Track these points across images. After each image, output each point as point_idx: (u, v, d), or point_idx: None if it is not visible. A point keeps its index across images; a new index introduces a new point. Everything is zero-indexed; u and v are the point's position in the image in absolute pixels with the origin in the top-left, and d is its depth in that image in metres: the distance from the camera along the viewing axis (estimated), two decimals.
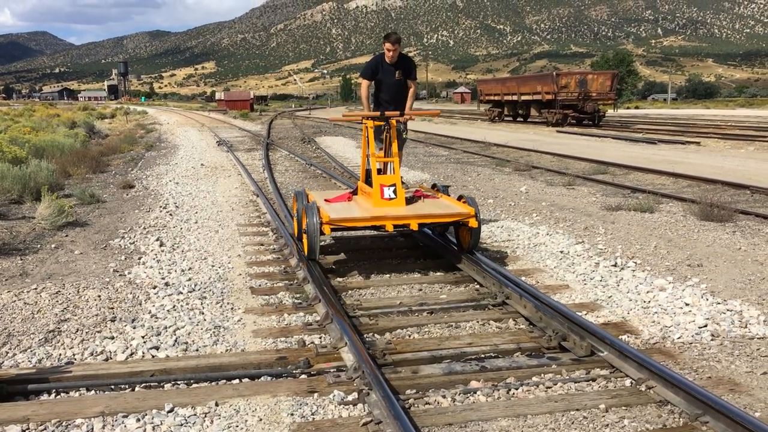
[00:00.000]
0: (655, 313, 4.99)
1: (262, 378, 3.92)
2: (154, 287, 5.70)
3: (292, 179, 13.18)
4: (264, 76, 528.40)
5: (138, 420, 3.39)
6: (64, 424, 3.38)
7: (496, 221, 8.48)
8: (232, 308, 5.22)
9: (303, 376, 3.92)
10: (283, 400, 3.63)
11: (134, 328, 4.73)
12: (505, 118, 39.44)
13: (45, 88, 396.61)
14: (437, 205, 6.42)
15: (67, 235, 7.79)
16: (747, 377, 3.89)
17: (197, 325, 4.81)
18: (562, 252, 6.81)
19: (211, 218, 8.93)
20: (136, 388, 3.81)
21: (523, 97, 35.87)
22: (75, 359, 4.22)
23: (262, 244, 7.41)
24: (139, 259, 6.72)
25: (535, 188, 11.53)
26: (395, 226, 5.96)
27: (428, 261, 6.56)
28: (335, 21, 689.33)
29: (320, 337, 4.57)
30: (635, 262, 6.32)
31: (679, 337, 4.52)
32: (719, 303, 5.10)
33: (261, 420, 3.43)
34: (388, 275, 6.11)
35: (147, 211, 9.54)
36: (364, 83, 7.31)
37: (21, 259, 6.67)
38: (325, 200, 6.70)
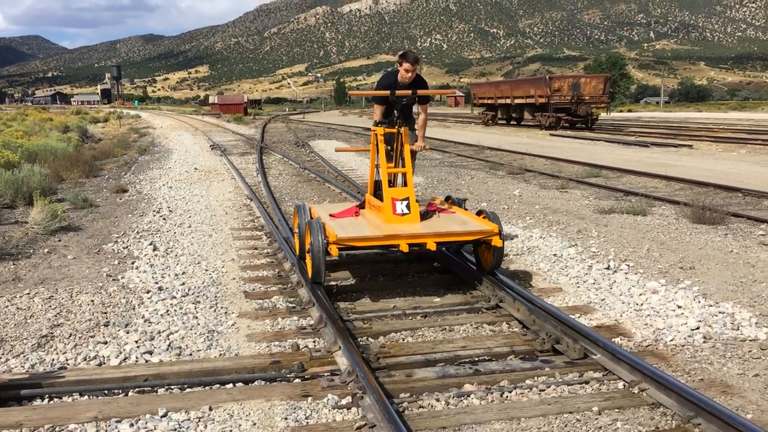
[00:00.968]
0: (648, 315, 5.01)
1: (255, 382, 3.92)
2: (148, 292, 5.69)
3: (286, 183, 13.18)
4: (258, 80, 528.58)
5: (131, 425, 3.39)
6: (57, 429, 3.37)
7: None
8: (225, 312, 5.22)
9: (297, 380, 3.92)
10: (277, 404, 3.63)
11: (127, 332, 4.72)
12: (499, 122, 39.50)
13: (38, 92, 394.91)
14: (455, 221, 5.83)
15: (60, 240, 7.77)
16: (739, 379, 3.91)
17: (191, 329, 4.81)
18: (555, 255, 6.84)
19: (204, 222, 8.92)
20: (130, 393, 3.80)
21: (517, 101, 35.93)
22: (68, 364, 4.21)
23: (256, 248, 7.40)
24: (133, 263, 6.71)
25: (528, 191, 11.56)
26: (410, 246, 5.31)
27: (422, 264, 6.55)
28: (329, 25, 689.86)
29: (314, 341, 4.58)
30: (628, 265, 6.35)
31: (671, 340, 4.54)
32: (711, 305, 5.12)
33: (255, 424, 3.43)
34: (382, 279, 6.12)
35: (140, 215, 9.53)
36: (378, 108, 6.52)
37: (14, 264, 6.65)
38: (330, 215, 6.16)
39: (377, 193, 6.21)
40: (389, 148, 6.24)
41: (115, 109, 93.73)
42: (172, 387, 3.86)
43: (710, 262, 6.48)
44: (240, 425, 3.43)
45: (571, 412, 3.51)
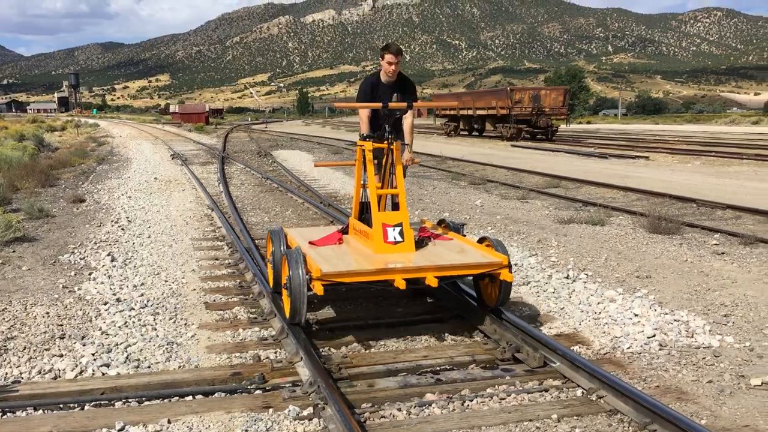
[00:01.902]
0: (606, 324, 5.10)
1: (216, 394, 3.87)
2: (105, 303, 5.59)
3: (249, 193, 13.09)
4: (220, 89, 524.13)
5: None
6: None
7: None
8: (185, 324, 5.16)
9: (258, 391, 3.89)
10: (238, 416, 3.59)
11: (84, 345, 4.63)
12: (461, 133, 39.84)
13: None
14: (455, 250, 5.07)
15: (14, 251, 7.59)
16: (693, 386, 4.00)
17: (149, 341, 4.73)
18: (516, 265, 6.90)
19: (164, 233, 8.80)
20: (86, 407, 3.72)
21: (479, 112, 36.30)
22: (22, 378, 4.11)
23: (217, 259, 7.33)
24: (90, 274, 6.59)
25: (489, 202, 11.68)
26: (407, 281, 4.53)
27: None
28: (292, 35, 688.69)
29: (275, 352, 4.55)
30: (587, 274, 6.46)
31: (628, 347, 4.62)
32: (667, 313, 5.24)
33: None
34: (344, 289, 6.10)
35: (98, 225, 9.36)
36: (364, 118, 5.76)
37: None
38: (310, 243, 5.31)
39: (363, 216, 5.53)
40: (376, 161, 5.40)
41: (72, 117, 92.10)
42: (130, 400, 3.79)
43: (666, 271, 6.62)
44: None
45: (531, 420, 3.55)
